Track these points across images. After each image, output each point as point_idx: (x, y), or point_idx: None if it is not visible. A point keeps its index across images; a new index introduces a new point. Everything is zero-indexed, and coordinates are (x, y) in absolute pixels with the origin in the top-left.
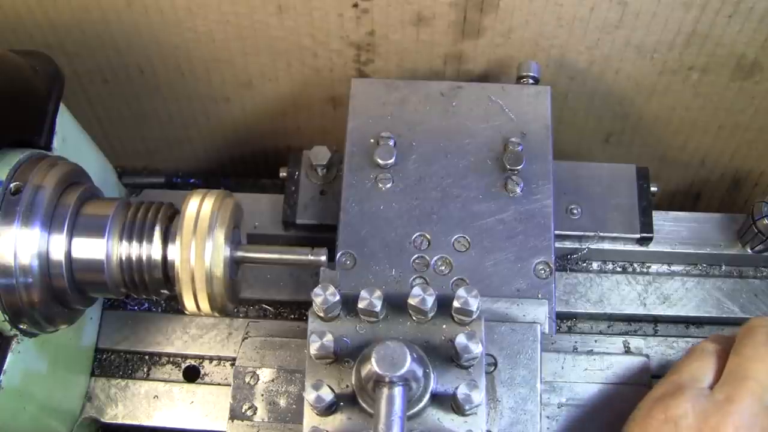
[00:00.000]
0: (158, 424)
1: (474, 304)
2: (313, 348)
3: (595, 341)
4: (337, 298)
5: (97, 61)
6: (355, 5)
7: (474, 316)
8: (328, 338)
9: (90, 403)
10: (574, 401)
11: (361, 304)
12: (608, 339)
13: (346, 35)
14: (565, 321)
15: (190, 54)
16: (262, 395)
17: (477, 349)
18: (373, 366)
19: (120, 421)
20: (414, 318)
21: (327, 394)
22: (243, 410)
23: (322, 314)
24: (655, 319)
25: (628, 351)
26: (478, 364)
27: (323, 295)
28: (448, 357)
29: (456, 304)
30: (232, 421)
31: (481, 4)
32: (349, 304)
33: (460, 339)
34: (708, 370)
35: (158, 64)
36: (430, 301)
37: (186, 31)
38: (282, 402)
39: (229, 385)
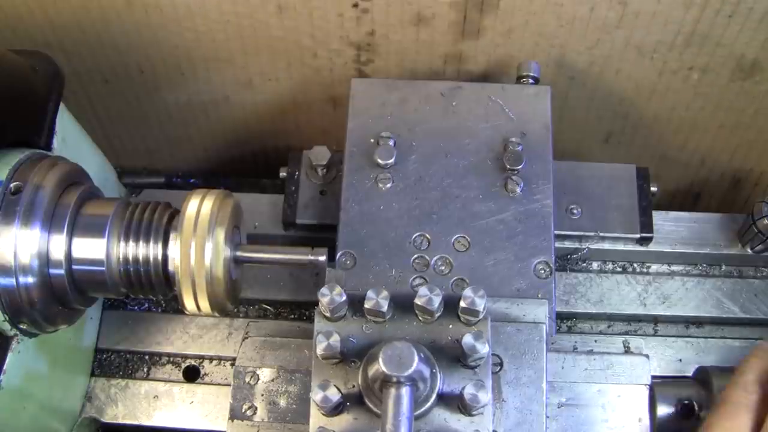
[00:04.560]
0: (158, 424)
1: (481, 304)
2: (320, 348)
3: (595, 341)
4: (344, 298)
5: (97, 60)
6: (355, 5)
7: (480, 317)
8: (335, 338)
9: (90, 403)
10: (574, 401)
11: (367, 305)
12: (608, 339)
13: (346, 35)
14: (565, 321)
15: (190, 54)
16: (262, 395)
17: (484, 349)
18: (380, 366)
19: (120, 421)
20: (420, 318)
21: (334, 395)
22: (243, 410)
23: (328, 314)
24: (655, 319)
25: (628, 351)
26: (485, 364)
27: (330, 295)
28: (454, 357)
29: (463, 304)
30: (232, 421)
31: (481, 4)
32: (355, 304)
33: (467, 339)
34: (744, 429)
35: (158, 64)
36: (437, 301)
37: (186, 30)
38: (282, 402)
39: (229, 385)
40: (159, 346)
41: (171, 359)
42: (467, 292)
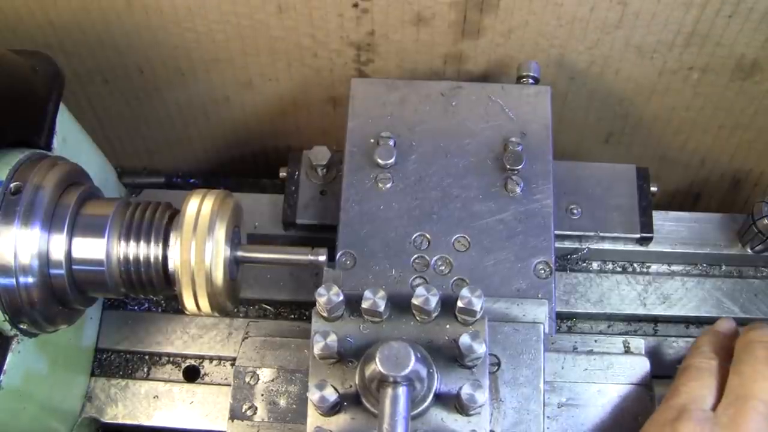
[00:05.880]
0: (158, 424)
1: (478, 304)
2: (317, 348)
3: (595, 341)
4: (341, 298)
5: (97, 61)
6: (355, 5)
7: (477, 316)
8: (332, 338)
9: (90, 403)
10: (574, 401)
11: (364, 304)
12: (608, 339)
13: (346, 35)
14: (565, 321)
15: (190, 54)
16: (262, 395)
17: (481, 349)
18: (377, 366)
19: (120, 421)
20: (417, 318)
21: (331, 394)
22: (243, 410)
23: (325, 314)
24: (655, 319)
25: (628, 351)
26: (482, 364)
27: (327, 295)
28: (451, 357)
29: (460, 304)
30: (232, 421)
31: (481, 4)
32: (352, 304)
33: (464, 339)
34: (708, 389)
35: (158, 64)
36: (434, 301)
37: (186, 31)
38: (282, 402)
39: (229, 385)
40: (159, 346)
41: (171, 359)
42: (464, 292)
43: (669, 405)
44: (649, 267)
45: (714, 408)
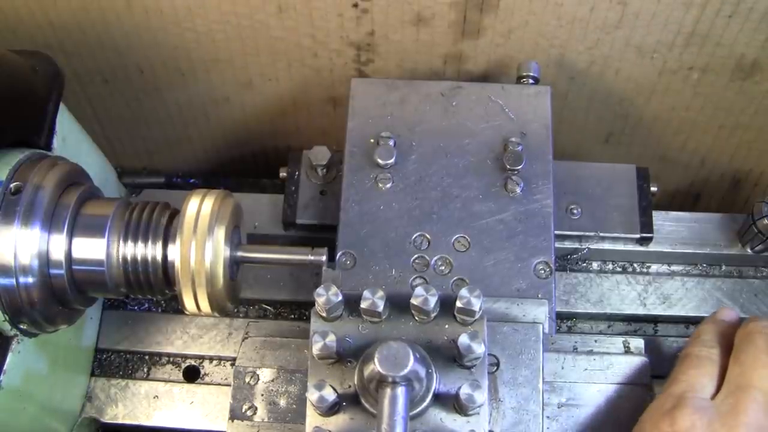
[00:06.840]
0: (158, 424)
1: (476, 304)
2: (316, 348)
3: (595, 341)
4: (340, 298)
5: (97, 61)
6: (355, 5)
7: (476, 317)
8: (331, 338)
9: (90, 403)
10: (574, 401)
11: (363, 304)
12: (608, 339)
13: (346, 35)
14: (565, 321)
15: (190, 54)
16: (262, 395)
17: (480, 349)
18: (376, 366)
19: (120, 421)
20: (416, 318)
21: (329, 394)
22: (243, 410)
23: (324, 314)
24: (655, 319)
25: (628, 351)
26: (481, 364)
27: (326, 295)
28: (450, 357)
29: (459, 304)
30: (232, 421)
31: (481, 4)
32: (351, 304)
33: (463, 339)
34: (707, 377)
35: (158, 65)
36: (433, 301)
37: (186, 31)
38: (282, 402)
39: (229, 385)
40: (159, 346)
41: (171, 359)
42: (463, 292)
43: (667, 393)
44: (649, 267)
45: (713, 397)
